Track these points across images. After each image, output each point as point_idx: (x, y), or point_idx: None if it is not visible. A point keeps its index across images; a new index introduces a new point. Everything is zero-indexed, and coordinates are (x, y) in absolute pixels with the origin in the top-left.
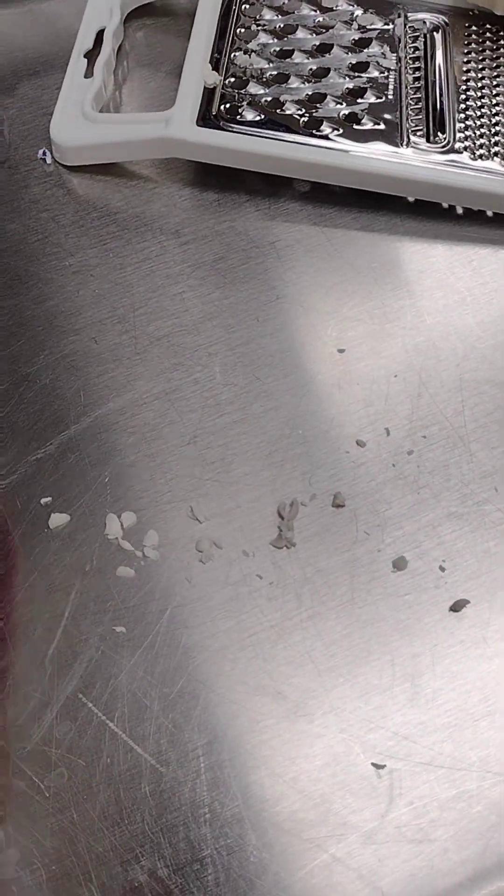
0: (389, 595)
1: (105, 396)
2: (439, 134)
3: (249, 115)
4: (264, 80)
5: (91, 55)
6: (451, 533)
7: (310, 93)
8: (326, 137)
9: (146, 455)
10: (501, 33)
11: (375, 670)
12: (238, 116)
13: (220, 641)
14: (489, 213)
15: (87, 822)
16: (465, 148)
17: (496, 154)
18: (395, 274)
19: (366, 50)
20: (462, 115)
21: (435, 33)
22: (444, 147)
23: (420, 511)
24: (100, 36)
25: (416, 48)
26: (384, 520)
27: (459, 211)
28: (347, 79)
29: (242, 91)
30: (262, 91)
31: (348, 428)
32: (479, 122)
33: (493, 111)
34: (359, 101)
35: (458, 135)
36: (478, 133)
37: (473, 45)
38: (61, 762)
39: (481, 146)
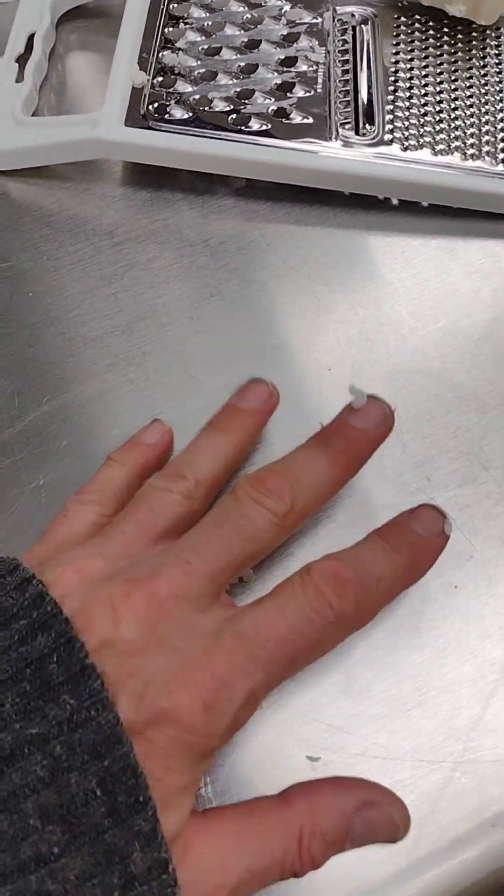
0: None
1: (39, 399)
2: (368, 126)
3: (178, 114)
4: (192, 78)
5: (22, 59)
6: None
7: (238, 89)
8: (256, 133)
9: (81, 457)
10: (430, 23)
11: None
12: (167, 115)
13: None
14: (423, 204)
15: None
16: (395, 139)
17: (425, 144)
18: (328, 267)
19: (294, 44)
20: (391, 107)
21: (364, 26)
22: (373, 139)
23: (354, 503)
24: (31, 40)
25: (345, 41)
26: (318, 513)
27: (394, 202)
28: (276, 74)
29: (170, 90)
30: (190, 89)
31: (283, 423)
32: (407, 114)
33: (423, 101)
34: (287, 95)
35: (388, 126)
36: (406, 124)
37: (402, 37)
38: None
39: (410, 137)
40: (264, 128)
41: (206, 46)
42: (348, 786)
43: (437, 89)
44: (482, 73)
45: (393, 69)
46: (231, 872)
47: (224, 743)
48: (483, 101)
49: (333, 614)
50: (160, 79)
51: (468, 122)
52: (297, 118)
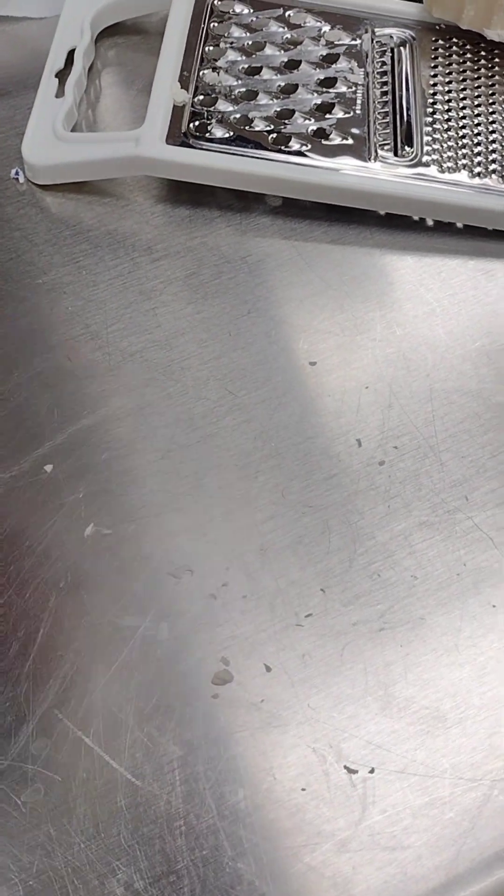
0: (362, 605)
1: (79, 413)
2: (407, 147)
3: (218, 133)
4: (233, 97)
5: (62, 75)
6: (423, 542)
7: (278, 109)
8: (295, 153)
9: (120, 471)
10: (468, 47)
11: (348, 680)
12: (207, 134)
13: (194, 655)
14: (459, 225)
15: (64, 836)
16: (433, 161)
17: (464, 166)
18: (365, 286)
19: (333, 65)
20: (429, 129)
21: (402, 48)
22: (411, 160)
23: (392, 521)
24: (71, 55)
25: (384, 63)
26: (356, 530)
27: (430, 223)
28: (315, 94)
29: (211, 108)
30: (230, 108)
31: (320, 440)
32: (446, 136)
33: (460, 124)
34: (327, 116)
35: (426, 148)
36: (445, 146)
37: (440, 59)
38: (37, 778)
39: (449, 159)
40: (304, 148)
41: (246, 66)
42: None
43: (475, 112)
44: None
45: (431, 91)
46: None
47: None
48: None
49: None
50: (201, 97)
51: None
52: (336, 139)
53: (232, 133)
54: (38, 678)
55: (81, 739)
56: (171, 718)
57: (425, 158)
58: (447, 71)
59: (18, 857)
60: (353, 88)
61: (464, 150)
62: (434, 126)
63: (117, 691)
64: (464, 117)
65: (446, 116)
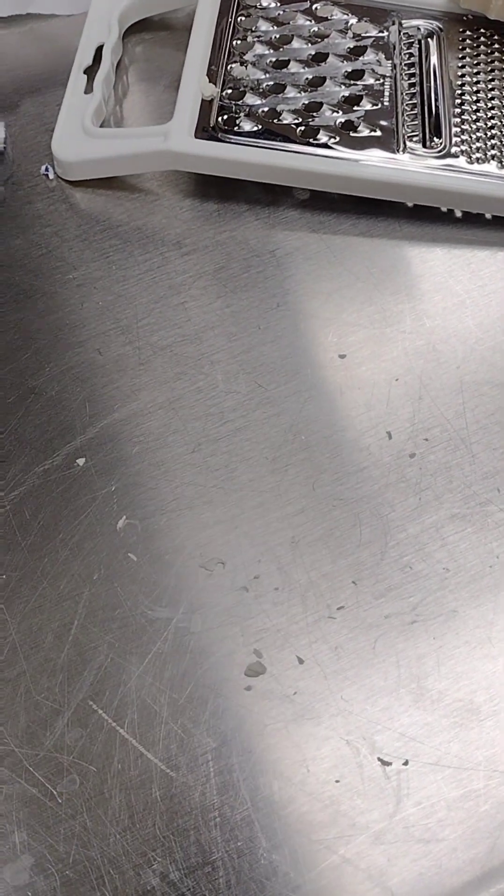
0: (394, 598)
1: (110, 407)
2: (435, 139)
3: (247, 126)
4: (261, 90)
5: (91, 71)
6: (455, 534)
7: (306, 102)
8: (324, 146)
9: (151, 464)
10: (495, 37)
11: (381, 672)
12: (236, 127)
13: (226, 647)
14: (488, 216)
15: (100, 826)
16: (462, 152)
17: (493, 157)
18: (394, 279)
19: (361, 58)
20: (458, 120)
21: (429, 39)
22: (440, 152)
23: (423, 513)
24: (99, 52)
25: (411, 54)
26: (387, 523)
27: (458, 214)
28: (343, 87)
29: (240, 102)
30: (258, 102)
31: (350, 432)
32: (474, 126)
33: (489, 115)
34: (355, 108)
35: (455, 139)
36: (474, 137)
37: (468, 50)
38: (73, 768)
39: (477, 150)
40: (332, 140)
41: (273, 59)
42: None
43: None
44: None
45: (459, 82)
46: None
47: None
48: None
49: None
50: (229, 91)
51: None
52: (364, 131)
53: (260, 126)
54: (73, 669)
55: (116, 730)
56: (205, 710)
57: (454, 149)
58: (475, 62)
59: (55, 847)
60: (381, 80)
61: (493, 141)
62: (462, 117)
63: (151, 683)
64: (492, 108)
65: (475, 107)
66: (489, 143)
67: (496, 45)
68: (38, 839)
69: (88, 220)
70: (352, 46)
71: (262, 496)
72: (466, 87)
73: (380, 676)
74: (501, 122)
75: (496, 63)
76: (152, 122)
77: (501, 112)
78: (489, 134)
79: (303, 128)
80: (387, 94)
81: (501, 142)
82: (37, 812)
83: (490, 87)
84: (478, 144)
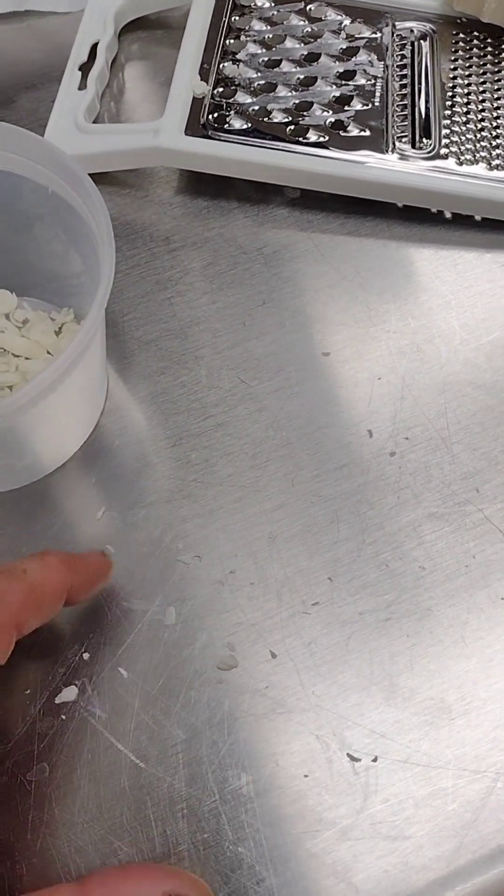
0: (369, 595)
1: None
2: (424, 140)
3: (237, 124)
4: (252, 89)
5: (86, 68)
6: (432, 534)
7: (297, 101)
8: (313, 145)
9: (132, 457)
10: (488, 40)
11: (354, 668)
12: (226, 125)
13: (200, 640)
14: (477, 218)
15: (68, 816)
16: (451, 153)
17: (482, 159)
18: (380, 278)
19: (353, 58)
20: (447, 122)
21: (422, 41)
22: (429, 153)
23: (401, 512)
24: (94, 49)
25: (404, 56)
26: (365, 520)
27: (448, 216)
28: (334, 87)
29: (230, 100)
30: (249, 100)
31: (331, 430)
32: (464, 128)
33: (479, 117)
34: (345, 108)
35: (444, 140)
36: (463, 138)
37: (460, 53)
38: (43, 757)
39: (467, 151)
40: (321, 139)
41: (266, 59)
42: (153, 876)
43: (495, 105)
44: None
45: (450, 84)
46: None
47: None
48: None
49: None
50: (220, 89)
51: None
52: (354, 130)
53: (250, 125)
54: (46, 658)
55: (87, 720)
56: (177, 702)
57: (443, 151)
58: (467, 64)
59: (22, 835)
60: (372, 81)
61: (482, 143)
62: (452, 118)
63: (123, 674)
64: (483, 110)
65: (465, 109)
66: (478, 145)
67: (489, 48)
68: (5, 827)
69: None
70: (344, 47)
71: (241, 491)
72: (458, 90)
73: (352, 673)
74: (491, 124)
75: (488, 66)
76: (146, 119)
77: (492, 114)
78: (479, 136)
79: (293, 127)
80: (378, 94)
81: (491, 144)
82: (5, 800)
83: (481, 89)
84: (467, 146)
